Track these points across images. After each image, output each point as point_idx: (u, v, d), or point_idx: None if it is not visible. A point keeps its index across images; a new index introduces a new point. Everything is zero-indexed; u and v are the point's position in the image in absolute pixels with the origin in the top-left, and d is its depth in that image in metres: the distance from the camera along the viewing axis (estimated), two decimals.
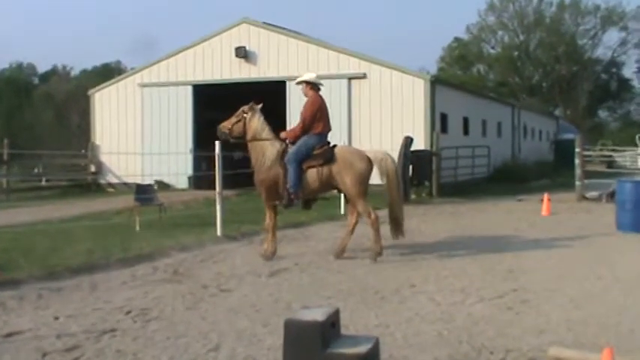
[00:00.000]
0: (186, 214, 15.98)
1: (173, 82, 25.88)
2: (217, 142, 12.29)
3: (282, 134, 10.34)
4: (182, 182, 24.84)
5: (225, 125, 10.54)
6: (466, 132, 27.58)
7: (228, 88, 25.30)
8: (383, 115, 23.12)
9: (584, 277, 8.67)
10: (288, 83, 24.06)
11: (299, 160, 9.88)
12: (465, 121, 27.54)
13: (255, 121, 10.35)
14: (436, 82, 23.80)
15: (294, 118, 24.02)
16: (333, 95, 23.52)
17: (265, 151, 10.14)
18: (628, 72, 71.04)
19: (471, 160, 25.58)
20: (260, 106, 10.63)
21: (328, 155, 9.90)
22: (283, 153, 10.06)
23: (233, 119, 10.52)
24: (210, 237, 12.05)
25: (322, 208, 16.98)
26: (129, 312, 7.06)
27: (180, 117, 25.74)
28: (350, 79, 23.49)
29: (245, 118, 10.40)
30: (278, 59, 24.48)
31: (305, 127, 10.03)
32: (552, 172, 32.47)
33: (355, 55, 23.80)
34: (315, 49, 24.14)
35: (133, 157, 24.91)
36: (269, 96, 25.67)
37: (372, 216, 9.87)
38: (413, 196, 20.42)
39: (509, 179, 26.91)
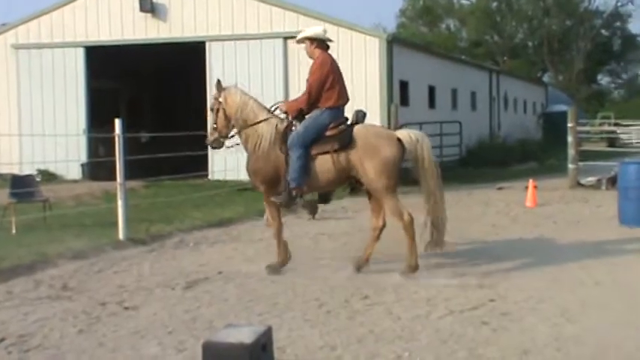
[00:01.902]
0: (79, 212, 15.78)
1: (59, 42, 25.48)
2: (117, 120, 12.17)
3: (282, 107, 9.90)
4: (73, 171, 24.56)
5: (210, 130, 10.07)
6: (432, 104, 27.92)
7: (132, 52, 25.13)
8: None
9: (579, 283, 8.88)
10: (208, 45, 23.98)
11: (306, 143, 9.35)
12: (431, 90, 27.86)
13: (235, 102, 9.81)
14: (394, 42, 23.97)
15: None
16: (265, 59, 23.60)
17: (261, 131, 9.66)
18: (635, 27, 72.74)
19: (439, 139, 25.86)
20: (235, 84, 10.26)
21: (345, 137, 9.37)
22: (285, 132, 9.59)
23: (211, 116, 10.07)
24: (109, 241, 11.96)
25: (251, 201, 17.04)
26: (2, 340, 6.95)
27: (70, 88, 25.38)
28: (286, 38, 23.45)
29: (221, 104, 9.89)
30: (194, 15, 24.35)
31: (312, 99, 9.51)
32: (540, 152, 33.12)
33: (292, 9, 23.85)
34: (242, 3, 24.09)
35: (7, 141, 24.47)
36: (184, 61, 25.82)
37: (406, 217, 9.32)
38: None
39: (486, 162, 27.42)
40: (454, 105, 30.57)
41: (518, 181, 21.19)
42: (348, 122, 9.61)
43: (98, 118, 24.17)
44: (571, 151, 20.94)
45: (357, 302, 8.16)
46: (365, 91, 22.74)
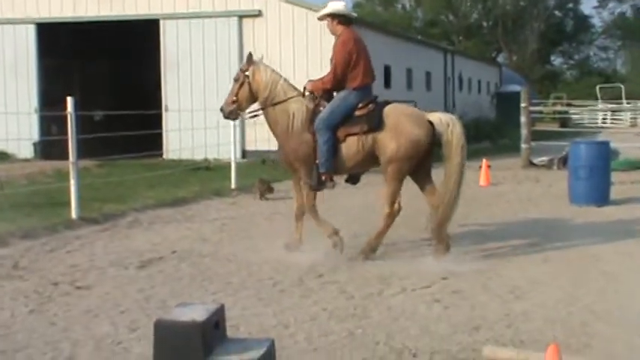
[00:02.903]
0: (31, 192, 15.60)
1: (9, 19, 25.08)
2: (70, 98, 12.02)
3: (308, 86, 9.43)
4: (25, 150, 24.31)
5: (228, 100, 9.65)
6: (387, 84, 27.97)
7: (85, 30, 24.81)
8: (283, 63, 23.02)
9: (529, 261, 9.02)
10: (162, 23, 23.78)
11: (332, 126, 9.05)
12: (386, 70, 27.91)
13: (263, 77, 9.45)
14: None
15: (171, 68, 23.83)
16: (220, 38, 23.48)
17: (292, 110, 9.31)
18: (587, 7, 73.52)
19: None
20: (262, 57, 9.82)
21: (375, 118, 9.05)
22: (314, 112, 9.23)
23: (234, 87, 9.64)
24: (62, 220, 11.85)
25: (206, 181, 17.00)
26: None
27: (21, 66, 25.04)
28: (241, 17, 23.39)
29: (248, 78, 9.50)
30: None
31: (337, 79, 9.16)
32: (494, 132, 33.39)
33: None
34: None
35: None
36: (138, 39, 25.56)
37: (395, 208, 9.22)
38: None
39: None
40: (409, 85, 30.68)
41: (472, 161, 21.23)
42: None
43: (51, 96, 23.87)
44: (524, 131, 21.16)
45: (311, 281, 8.21)
46: (320, 70, 22.61)
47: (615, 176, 15.25)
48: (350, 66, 9.12)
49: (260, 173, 17.31)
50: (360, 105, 9.14)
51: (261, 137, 21.53)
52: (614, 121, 42.52)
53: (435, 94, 34.39)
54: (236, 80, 9.62)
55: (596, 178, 13.49)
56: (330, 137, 9.03)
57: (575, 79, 73.43)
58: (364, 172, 9.97)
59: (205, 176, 18.27)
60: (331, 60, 9.33)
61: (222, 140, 18.76)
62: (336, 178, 9.51)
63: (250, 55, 9.72)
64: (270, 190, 14.72)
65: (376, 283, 8.04)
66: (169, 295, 7.66)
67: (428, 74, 33.53)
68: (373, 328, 6.52)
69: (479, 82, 43.84)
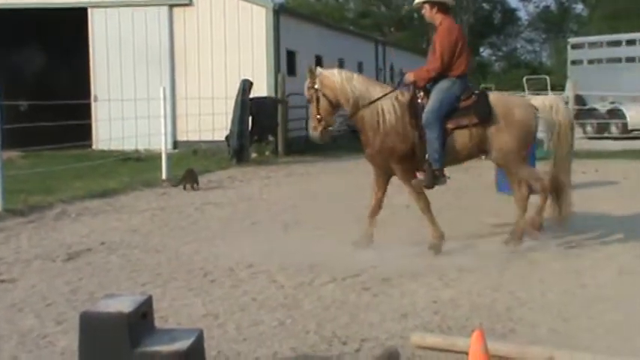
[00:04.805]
0: None
1: None
2: None
3: (408, 77, 8.98)
4: None
5: (314, 124, 9.05)
6: None
7: (10, 17, 24.25)
8: (215, 54, 23.01)
9: (457, 250, 9.09)
10: (90, 11, 23.40)
11: (443, 117, 8.67)
12: (318, 60, 27.89)
13: (334, 80, 8.91)
14: (281, 12, 23.94)
15: (100, 58, 23.49)
16: (150, 28, 23.22)
17: (382, 105, 8.80)
18: (514, 1, 74.67)
19: None
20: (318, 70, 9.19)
21: (484, 108, 8.74)
22: (411, 106, 8.86)
23: (312, 107, 9.04)
24: None
25: (137, 171, 16.82)
26: None
27: None
28: (171, 6, 23.19)
29: (319, 91, 8.91)
30: None
31: (444, 67, 8.76)
32: None
33: None
34: None
35: None
36: (64, 29, 25.10)
37: (544, 177, 8.96)
38: (254, 155, 20.59)
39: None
40: None
41: None
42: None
43: None
44: None
45: (242, 271, 8.19)
46: (252, 61, 22.69)
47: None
48: (455, 54, 8.80)
49: (191, 164, 17.19)
50: (464, 96, 8.86)
51: (193, 128, 21.53)
52: None
53: None
54: (310, 100, 9.08)
55: None
56: (442, 132, 8.65)
57: (503, 70, 74.41)
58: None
59: (136, 167, 18.08)
60: (431, 48, 9.00)
61: (152, 131, 18.56)
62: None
63: (310, 70, 9.13)
64: (195, 181, 14.58)
65: (307, 272, 8.05)
66: (97, 287, 7.57)
67: (360, 65, 33.63)
68: (303, 317, 6.53)
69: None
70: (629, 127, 26.64)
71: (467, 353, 4.85)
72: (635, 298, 7.02)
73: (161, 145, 16.39)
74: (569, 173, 9.24)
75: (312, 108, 9.04)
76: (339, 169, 18.55)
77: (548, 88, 28.46)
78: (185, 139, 22.19)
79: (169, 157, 16.80)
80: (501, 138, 8.74)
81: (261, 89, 21.71)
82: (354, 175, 17.43)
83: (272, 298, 7.14)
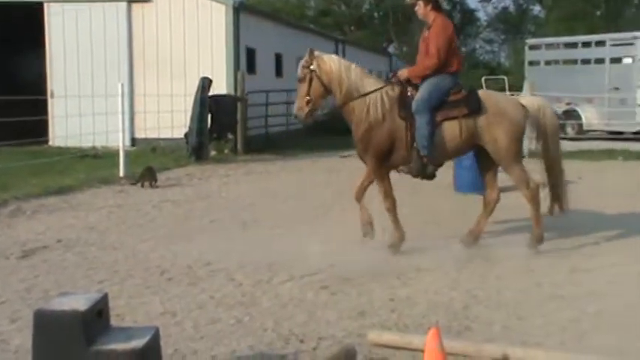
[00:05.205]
0: None
1: None
2: None
3: (402, 74, 9.06)
4: None
5: (301, 104, 9.02)
6: (279, 72, 27.98)
7: None
8: (174, 51, 22.87)
9: (414, 249, 9.15)
10: (46, 7, 23.13)
11: (433, 107, 8.75)
12: (278, 58, 27.92)
13: (332, 66, 8.94)
14: (241, 10, 23.85)
15: (57, 54, 23.23)
16: (108, 24, 22.99)
17: (370, 98, 8.87)
18: (473, 2, 75.16)
19: (286, 107, 25.99)
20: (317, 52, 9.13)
21: (474, 101, 8.83)
22: (401, 99, 8.90)
23: (302, 88, 8.98)
24: None
25: (94, 168, 16.68)
26: None
27: None
28: (130, 2, 22.96)
29: (315, 72, 8.92)
30: None
31: (441, 64, 8.82)
32: None
33: None
34: None
35: None
36: (18, 25, 24.75)
37: (532, 186, 8.98)
38: (213, 153, 20.51)
39: (332, 131, 27.72)
40: None
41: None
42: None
43: None
44: None
45: (200, 269, 8.17)
46: (211, 58, 22.58)
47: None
48: (450, 51, 8.91)
49: (150, 161, 17.10)
50: (453, 90, 8.92)
51: (151, 125, 21.36)
52: None
53: None
54: (301, 80, 8.99)
55: None
56: (431, 119, 8.70)
57: (462, 71, 74.98)
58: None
59: (93, 164, 17.90)
60: (421, 46, 9.05)
61: (110, 128, 18.39)
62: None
63: (311, 50, 9.09)
64: (154, 178, 14.49)
65: (265, 270, 8.05)
66: (53, 284, 7.51)
67: None
68: (261, 315, 6.55)
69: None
70: (585, 128, 27.00)
71: (423, 351, 4.89)
72: (588, 295, 7.13)
73: (119, 142, 16.26)
74: (562, 173, 9.32)
75: (303, 88, 8.99)
76: (298, 168, 18.56)
77: (507, 88, 28.69)
78: (144, 136, 22.01)
79: (127, 154, 16.68)
80: (492, 132, 8.80)
81: (220, 87, 21.63)
82: (312, 173, 17.50)
83: (230, 296, 7.14)
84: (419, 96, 8.79)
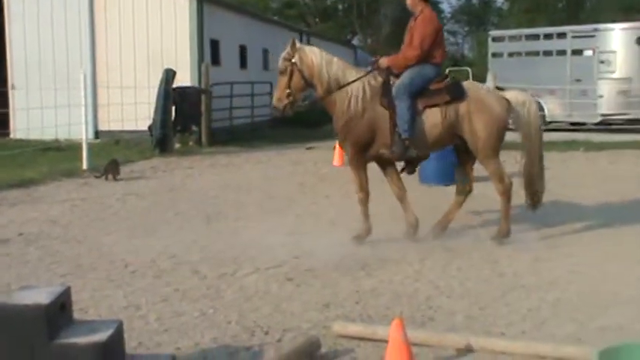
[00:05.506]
0: None
1: None
2: None
3: (382, 62, 9.03)
4: None
5: (281, 96, 9.03)
6: (243, 64, 27.93)
7: None
8: (137, 43, 22.73)
9: (379, 240, 9.18)
10: None
11: (413, 94, 8.73)
12: (242, 50, 27.85)
13: (314, 59, 8.91)
14: (205, 1, 23.76)
15: (17, 45, 22.98)
16: (69, 15, 22.78)
17: (351, 89, 8.87)
18: None
19: (250, 99, 26.00)
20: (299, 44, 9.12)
21: (457, 89, 8.86)
22: (383, 88, 8.89)
23: (282, 80, 8.99)
24: None
25: (56, 161, 16.54)
26: None
27: None
28: None
29: (296, 65, 8.93)
30: None
31: (423, 55, 8.83)
32: None
33: None
34: None
35: None
36: None
37: (507, 181, 9.01)
38: (177, 145, 20.43)
39: (297, 123, 27.73)
40: (266, 66, 30.66)
41: (328, 142, 21.58)
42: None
43: None
44: None
45: (164, 262, 8.16)
46: (175, 50, 22.48)
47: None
48: (435, 42, 8.90)
49: (113, 154, 16.99)
50: (436, 81, 8.92)
51: (115, 117, 21.20)
52: None
53: None
54: (282, 72, 9.00)
55: (444, 159, 13.86)
56: (412, 104, 8.69)
57: None
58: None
59: (55, 157, 17.76)
60: (413, 36, 8.95)
61: (73, 120, 18.25)
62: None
63: (294, 41, 9.08)
64: (118, 171, 14.40)
65: (229, 263, 8.06)
66: (15, 278, 7.46)
67: None
68: (225, 307, 6.56)
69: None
70: (547, 119, 27.20)
71: (387, 341, 4.93)
72: (549, 285, 7.23)
73: (82, 134, 16.13)
74: (542, 167, 9.35)
75: (283, 80, 9.00)
76: (262, 160, 18.53)
77: (470, 79, 28.86)
78: (107, 128, 21.87)
79: (91, 147, 16.57)
80: (472, 123, 8.80)
81: (184, 79, 21.53)
82: (277, 165, 17.49)
83: (194, 288, 7.14)
84: (400, 81, 8.81)
